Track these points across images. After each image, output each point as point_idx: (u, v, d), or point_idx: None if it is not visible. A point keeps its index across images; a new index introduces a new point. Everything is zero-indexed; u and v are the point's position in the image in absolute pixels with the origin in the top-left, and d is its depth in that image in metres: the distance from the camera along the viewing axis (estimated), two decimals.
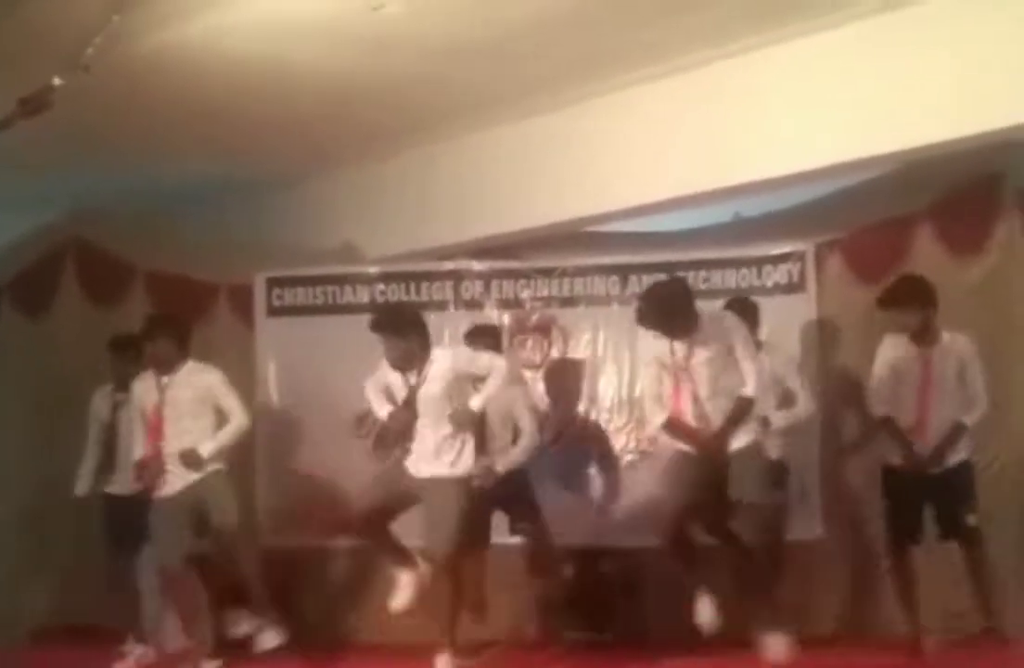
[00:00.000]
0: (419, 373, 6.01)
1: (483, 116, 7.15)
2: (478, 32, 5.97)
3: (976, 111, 5.55)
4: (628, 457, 7.35)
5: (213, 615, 6.60)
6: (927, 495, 6.19)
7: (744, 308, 6.47)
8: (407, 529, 6.13)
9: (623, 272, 7.46)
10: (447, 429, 5.99)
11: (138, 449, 6.66)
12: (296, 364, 7.81)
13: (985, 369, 6.26)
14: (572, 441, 7.37)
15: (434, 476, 5.94)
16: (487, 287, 7.68)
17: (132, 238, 8.38)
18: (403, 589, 6.08)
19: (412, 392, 6.02)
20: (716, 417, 5.94)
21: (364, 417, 7.46)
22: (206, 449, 6.47)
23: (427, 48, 6.13)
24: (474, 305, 7.64)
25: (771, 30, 6.05)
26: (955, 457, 6.20)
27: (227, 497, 6.51)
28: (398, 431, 6.10)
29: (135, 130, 7.10)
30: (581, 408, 7.49)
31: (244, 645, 6.49)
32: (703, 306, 6.14)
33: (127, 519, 6.80)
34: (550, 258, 7.66)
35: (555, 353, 7.58)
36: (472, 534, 6.12)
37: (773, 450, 6.35)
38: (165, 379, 6.60)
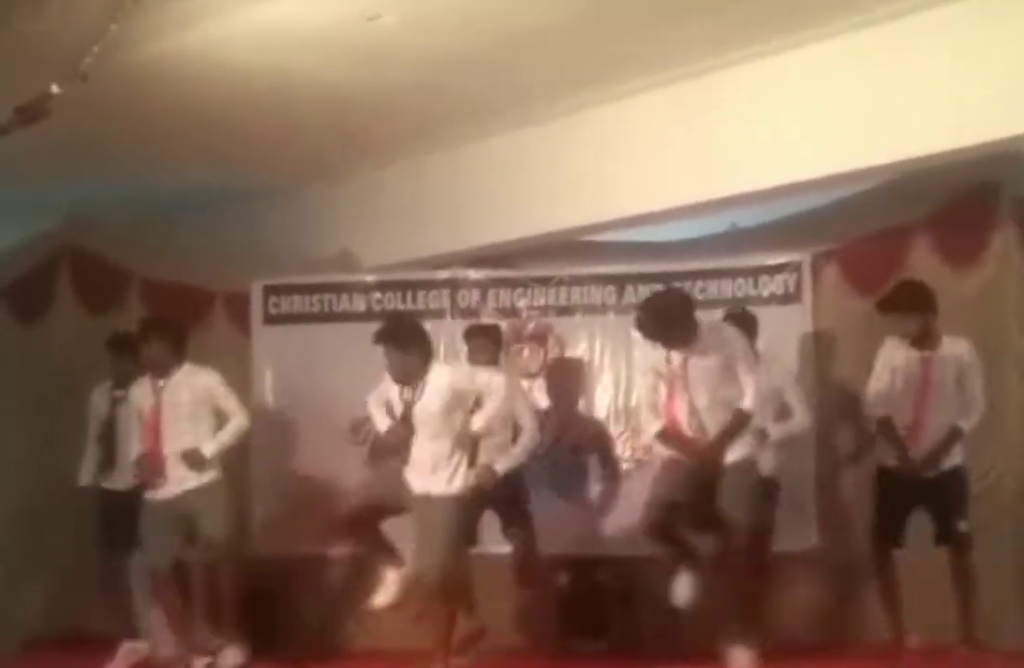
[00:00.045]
0: (416, 388, 5.96)
1: (479, 126, 7.16)
2: (473, 42, 5.97)
3: (972, 122, 5.55)
4: (624, 465, 7.35)
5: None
6: (919, 499, 6.18)
7: (743, 320, 6.48)
8: (400, 533, 6.13)
9: (619, 282, 7.46)
10: (444, 445, 5.93)
11: (135, 450, 6.67)
12: (292, 372, 7.81)
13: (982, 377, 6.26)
14: (573, 442, 7.38)
15: (428, 493, 5.89)
16: (484, 296, 7.69)
17: (128, 245, 8.40)
18: (387, 587, 6.07)
19: (408, 407, 5.98)
20: (712, 428, 5.94)
21: (360, 425, 7.47)
22: (209, 449, 6.49)
23: (423, 58, 6.14)
24: (471, 314, 7.63)
25: (767, 41, 6.06)
26: (950, 462, 6.20)
27: (219, 510, 6.50)
28: (394, 446, 6.08)
29: (133, 139, 7.11)
30: (582, 409, 7.50)
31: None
32: (701, 317, 6.13)
33: (122, 516, 6.77)
34: (546, 267, 7.67)
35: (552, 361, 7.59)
36: (464, 540, 6.11)
37: (767, 465, 6.34)
38: (162, 382, 6.60)
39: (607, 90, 6.68)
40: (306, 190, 8.17)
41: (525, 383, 7.38)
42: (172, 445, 6.51)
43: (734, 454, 5.92)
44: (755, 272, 7.25)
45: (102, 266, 8.30)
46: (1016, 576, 6.53)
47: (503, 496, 6.48)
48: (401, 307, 7.72)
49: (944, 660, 6.12)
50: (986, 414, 6.24)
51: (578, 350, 7.57)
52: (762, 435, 6.23)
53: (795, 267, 7.18)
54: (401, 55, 6.09)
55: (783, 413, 6.60)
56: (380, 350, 6.02)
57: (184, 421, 6.53)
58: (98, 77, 5.16)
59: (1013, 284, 6.69)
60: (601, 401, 7.51)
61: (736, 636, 5.87)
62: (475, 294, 7.71)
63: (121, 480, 7.00)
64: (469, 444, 6.01)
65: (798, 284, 7.17)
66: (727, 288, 7.27)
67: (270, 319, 7.96)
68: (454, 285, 7.73)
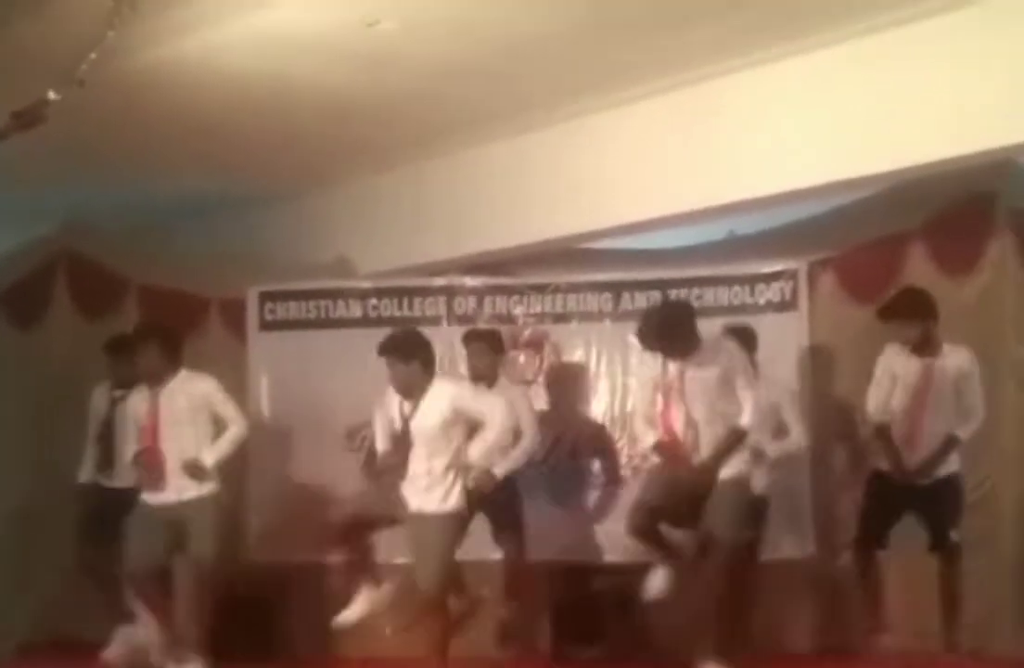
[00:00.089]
0: (417, 401, 5.90)
1: (477, 132, 7.16)
2: (473, 49, 5.97)
3: (969, 131, 5.55)
4: (621, 472, 7.36)
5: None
6: (911, 505, 6.21)
7: (743, 334, 6.44)
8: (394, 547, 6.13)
9: (616, 289, 7.48)
10: (440, 463, 5.86)
11: (132, 453, 6.66)
12: (288, 378, 7.80)
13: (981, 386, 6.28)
14: (572, 446, 7.40)
15: (422, 511, 5.84)
16: (480, 303, 7.70)
17: (125, 251, 8.39)
18: (358, 605, 6.02)
19: (407, 421, 5.91)
20: (708, 441, 5.90)
21: (356, 431, 7.46)
22: (209, 460, 6.46)
23: (422, 64, 6.13)
24: (467, 320, 7.63)
25: (765, 48, 6.06)
26: (945, 469, 6.22)
27: (210, 526, 6.45)
28: (388, 471, 5.99)
29: (130, 145, 7.10)
30: (581, 413, 7.51)
31: None
32: (700, 327, 6.11)
33: (116, 511, 6.75)
34: (543, 274, 7.69)
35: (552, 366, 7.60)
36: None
37: (759, 482, 6.29)
38: (158, 390, 6.57)
39: (606, 97, 6.68)
40: (303, 196, 8.17)
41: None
42: (171, 451, 6.48)
43: (727, 471, 5.88)
44: (752, 280, 7.27)
45: (99, 272, 8.29)
46: (1011, 583, 6.53)
47: (496, 500, 6.44)
48: (397, 314, 7.72)
49: (926, 665, 6.15)
50: (983, 422, 6.25)
51: (574, 357, 7.57)
52: (759, 455, 6.21)
53: (791, 275, 7.20)
54: (400, 61, 6.08)
55: (780, 431, 6.60)
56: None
57: (182, 428, 6.50)
58: (96, 83, 5.16)
59: (1009, 292, 6.70)
60: (597, 408, 7.51)
61: (709, 651, 5.85)
62: (471, 301, 7.71)
63: (119, 479, 7.03)
64: (464, 467, 5.93)
65: (794, 292, 7.19)
66: (723, 295, 7.29)
67: (266, 325, 7.94)
68: (450, 292, 7.73)
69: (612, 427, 7.44)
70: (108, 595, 7.04)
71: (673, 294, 7.29)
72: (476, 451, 5.90)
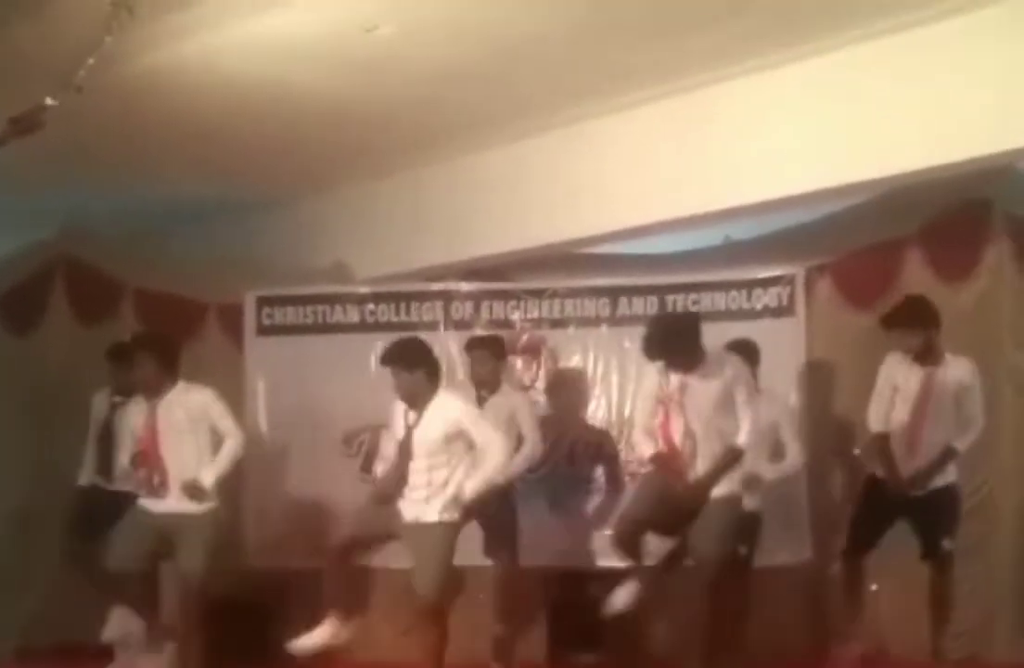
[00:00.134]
0: (421, 412, 5.86)
1: (475, 138, 7.17)
2: (471, 54, 5.97)
3: (963, 137, 5.56)
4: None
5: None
6: (905, 513, 6.19)
7: (745, 348, 6.38)
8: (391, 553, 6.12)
9: (613, 294, 7.48)
10: (440, 476, 5.81)
11: (128, 459, 6.64)
12: (285, 383, 7.81)
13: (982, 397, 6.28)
14: (571, 451, 7.40)
15: (420, 521, 5.80)
16: (477, 308, 7.70)
17: (123, 256, 8.39)
18: (317, 634, 5.91)
19: (409, 433, 5.86)
20: (706, 455, 5.82)
21: (353, 437, 7.46)
22: (208, 479, 6.37)
23: (420, 70, 6.14)
24: (464, 326, 7.63)
25: (762, 56, 6.07)
26: (942, 479, 6.21)
27: (202, 545, 6.35)
28: (385, 496, 5.95)
29: (128, 150, 7.10)
30: (581, 418, 7.50)
31: None
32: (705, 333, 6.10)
33: (109, 513, 6.71)
34: (540, 279, 7.69)
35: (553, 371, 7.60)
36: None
37: (751, 503, 6.25)
38: (156, 402, 6.49)
39: (603, 103, 6.69)
40: (301, 201, 8.17)
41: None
42: (171, 461, 6.41)
43: (719, 490, 5.80)
44: (749, 285, 7.27)
45: (96, 277, 8.29)
46: (1008, 589, 6.54)
47: (490, 507, 6.37)
48: (394, 319, 7.73)
49: None
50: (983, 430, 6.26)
51: (572, 363, 7.57)
52: (754, 479, 6.17)
53: (789, 280, 7.20)
54: (399, 66, 6.08)
55: (777, 453, 6.57)
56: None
57: (182, 438, 6.43)
58: (93, 89, 5.15)
59: (1006, 298, 6.72)
60: (595, 414, 7.50)
61: (701, 660, 5.82)
62: (468, 306, 7.71)
63: (118, 483, 6.99)
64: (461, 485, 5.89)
65: (791, 297, 7.19)
66: (721, 301, 7.28)
67: (263, 330, 7.95)
68: (447, 297, 7.73)
69: (610, 432, 7.44)
70: (95, 589, 7.03)
71: (670, 299, 7.30)
72: (471, 485, 5.82)
